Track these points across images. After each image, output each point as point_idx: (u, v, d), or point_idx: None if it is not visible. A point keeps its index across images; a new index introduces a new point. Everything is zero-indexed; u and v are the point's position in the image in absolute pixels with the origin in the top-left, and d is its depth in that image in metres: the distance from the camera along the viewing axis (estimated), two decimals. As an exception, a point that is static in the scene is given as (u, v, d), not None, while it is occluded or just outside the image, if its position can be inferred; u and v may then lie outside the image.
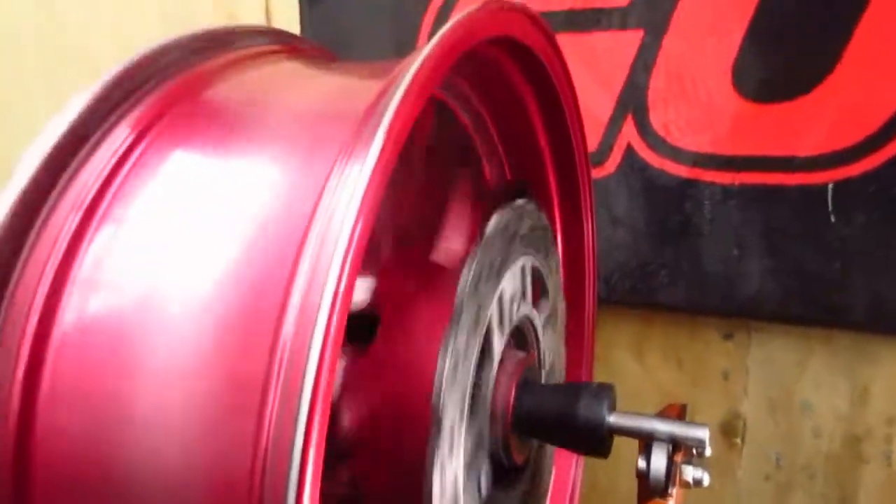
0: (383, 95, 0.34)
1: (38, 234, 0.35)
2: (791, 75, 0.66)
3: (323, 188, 0.31)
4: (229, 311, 0.30)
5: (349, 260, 0.27)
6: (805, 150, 0.66)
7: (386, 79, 0.37)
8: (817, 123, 0.65)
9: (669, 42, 0.70)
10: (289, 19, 0.89)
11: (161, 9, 0.98)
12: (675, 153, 0.71)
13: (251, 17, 0.92)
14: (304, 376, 0.24)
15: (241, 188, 0.35)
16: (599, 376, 0.84)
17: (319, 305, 0.25)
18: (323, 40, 0.84)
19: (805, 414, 0.74)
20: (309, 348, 0.25)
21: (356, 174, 0.28)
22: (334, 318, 0.25)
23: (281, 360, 0.27)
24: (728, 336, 0.76)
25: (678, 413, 0.52)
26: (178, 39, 0.45)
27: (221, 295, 0.31)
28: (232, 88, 0.43)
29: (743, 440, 0.77)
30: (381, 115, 0.29)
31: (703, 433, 0.44)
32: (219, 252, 0.32)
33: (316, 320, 0.25)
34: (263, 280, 0.30)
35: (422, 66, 0.31)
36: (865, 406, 0.71)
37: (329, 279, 0.25)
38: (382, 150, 0.28)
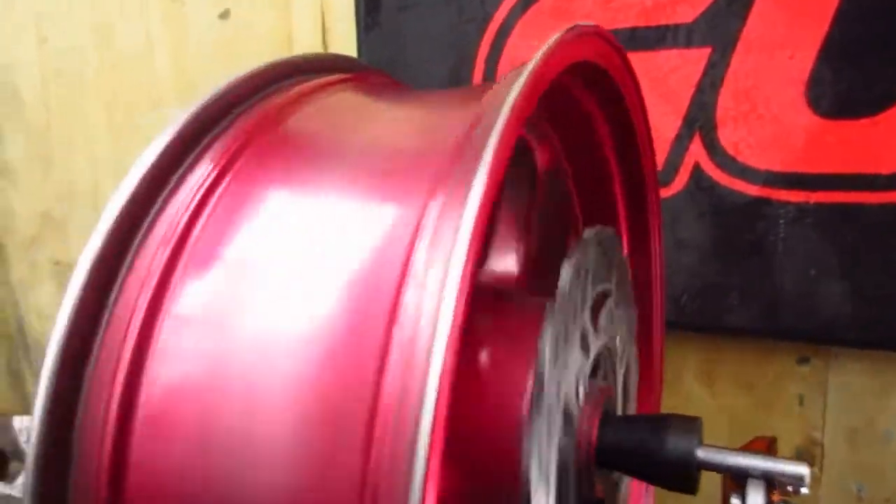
0: (475, 127, 0.33)
1: (128, 272, 0.35)
2: (870, 90, 0.63)
3: (417, 228, 0.30)
4: (325, 349, 0.30)
5: (460, 309, 0.25)
6: (887, 167, 0.63)
7: (472, 108, 0.37)
8: (900, 140, 0.63)
9: (739, 58, 0.68)
10: (345, 46, 0.90)
11: (218, 39, 1.00)
12: (746, 172, 0.69)
13: (308, 43, 0.93)
14: (420, 413, 0.23)
15: (328, 226, 0.34)
16: (667, 401, 0.81)
17: (431, 349, 0.24)
18: (377, 66, 0.84)
19: (888, 444, 0.70)
20: (423, 395, 0.24)
21: (457, 216, 0.27)
22: (448, 356, 0.24)
23: (387, 404, 0.26)
24: (804, 360, 0.73)
25: (766, 447, 0.49)
26: (251, 72, 0.45)
27: (316, 333, 0.30)
28: (310, 120, 0.43)
29: (821, 469, 0.74)
30: (481, 149, 0.28)
31: (802, 470, 0.42)
32: (311, 289, 0.32)
33: (429, 370, 0.24)
34: (361, 321, 0.29)
35: (520, 95, 0.30)
36: (955, 435, 0.68)
37: (441, 319, 0.24)
38: (486, 188, 0.27)
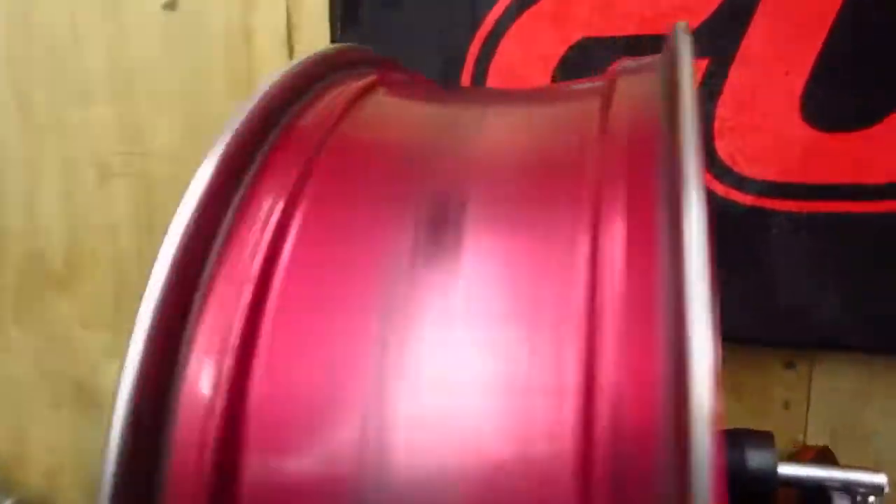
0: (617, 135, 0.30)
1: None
2: (862, 105, 0.66)
3: (594, 278, 0.26)
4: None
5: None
6: (878, 177, 0.66)
7: (591, 113, 0.34)
8: (892, 150, 0.66)
9: (736, 71, 0.69)
10: (314, 43, 0.84)
11: (162, 31, 0.90)
12: (742, 182, 0.70)
13: (269, 39, 0.86)
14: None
15: (466, 269, 0.28)
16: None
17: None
18: (356, 64, 0.79)
19: (870, 446, 0.74)
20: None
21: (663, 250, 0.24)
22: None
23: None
24: (789, 365, 0.75)
25: (816, 456, 0.50)
26: (280, 81, 0.38)
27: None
28: (376, 132, 0.38)
29: (805, 471, 0.76)
30: (677, 158, 0.25)
31: (881, 479, 0.42)
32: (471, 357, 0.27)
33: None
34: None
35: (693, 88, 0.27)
36: (933, 434, 0.72)
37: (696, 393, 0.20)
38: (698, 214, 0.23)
